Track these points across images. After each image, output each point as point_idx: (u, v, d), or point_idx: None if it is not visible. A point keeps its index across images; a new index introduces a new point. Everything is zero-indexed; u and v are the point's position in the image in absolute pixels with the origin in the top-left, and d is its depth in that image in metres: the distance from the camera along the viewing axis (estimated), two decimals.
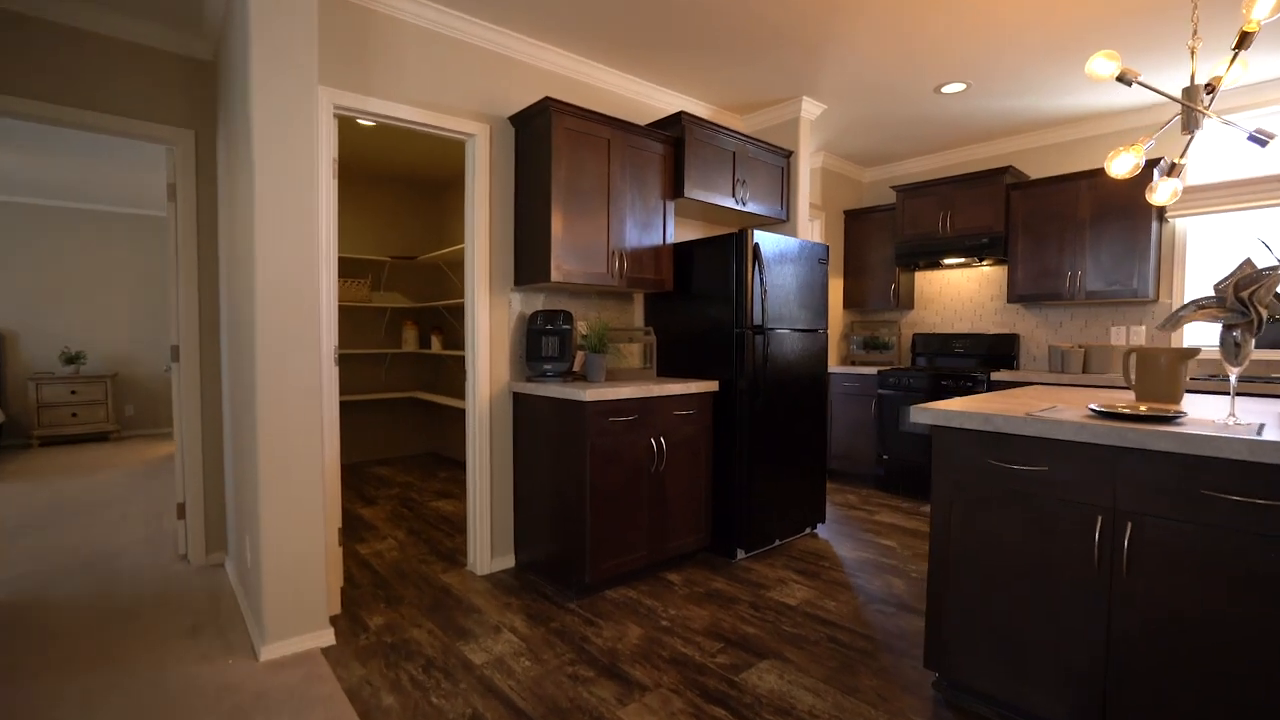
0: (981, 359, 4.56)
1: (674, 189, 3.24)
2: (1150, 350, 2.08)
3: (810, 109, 3.78)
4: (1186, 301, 1.58)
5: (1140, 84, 1.90)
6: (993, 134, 4.37)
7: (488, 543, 2.97)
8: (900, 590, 2.77)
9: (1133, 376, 2.26)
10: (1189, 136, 1.92)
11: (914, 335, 4.96)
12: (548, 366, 2.93)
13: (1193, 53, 1.88)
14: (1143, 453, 1.48)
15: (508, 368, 3.02)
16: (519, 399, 3.00)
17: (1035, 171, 4.41)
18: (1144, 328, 3.94)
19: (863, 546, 3.35)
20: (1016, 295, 4.16)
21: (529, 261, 2.90)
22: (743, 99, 3.74)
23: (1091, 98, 3.68)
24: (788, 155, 3.76)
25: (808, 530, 3.56)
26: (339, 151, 4.74)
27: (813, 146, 4.71)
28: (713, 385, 3.07)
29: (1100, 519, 1.56)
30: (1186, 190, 3.65)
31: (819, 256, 3.47)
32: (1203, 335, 3.76)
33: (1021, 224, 4.13)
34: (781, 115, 3.83)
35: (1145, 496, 1.49)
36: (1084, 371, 3.88)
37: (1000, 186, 4.17)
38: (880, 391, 4.56)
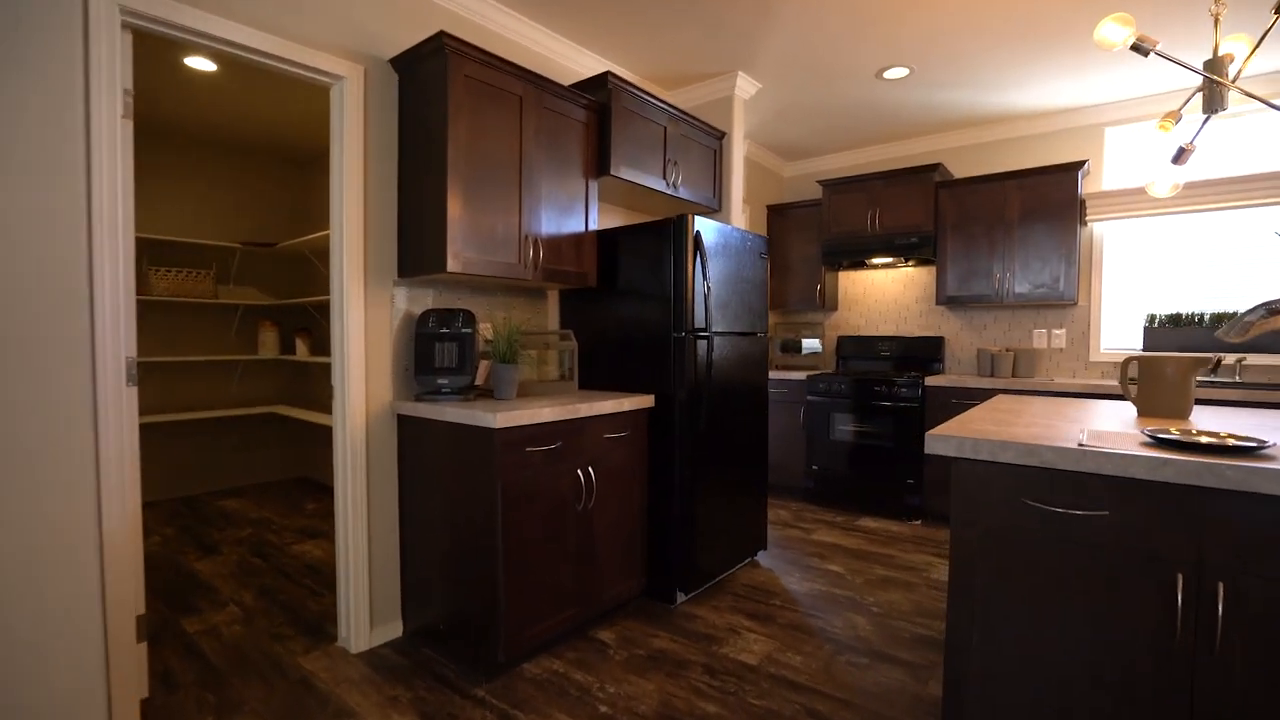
0: (907, 362, 4.43)
1: (598, 165, 2.72)
2: (1155, 358, 1.84)
3: (745, 87, 3.40)
4: (1254, 305, 1.29)
5: (1159, 54, 1.63)
6: (922, 130, 4.23)
7: (365, 608, 2.29)
8: (866, 632, 2.42)
9: (1131, 387, 2.04)
10: (1206, 117, 1.69)
11: (839, 338, 4.76)
12: (443, 381, 2.30)
13: (1216, 20, 1.65)
14: (1241, 496, 1.17)
15: (390, 382, 2.36)
16: (406, 423, 2.34)
17: (961, 172, 4.33)
18: (1064, 331, 3.93)
19: (810, 575, 3.00)
20: (946, 297, 4.04)
21: (418, 248, 2.26)
22: (672, 70, 3.29)
23: (1024, 96, 3.59)
24: (720, 137, 3.35)
25: (749, 559, 3.17)
26: (166, 107, 3.76)
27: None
28: (648, 400, 2.58)
29: (1182, 577, 1.23)
30: (1102, 195, 3.65)
31: (759, 250, 3.08)
32: (1117, 338, 3.79)
33: (950, 224, 4.01)
34: (713, 92, 3.42)
35: (1244, 550, 1.17)
36: (1013, 375, 3.81)
37: (930, 185, 4.03)
38: (809, 398, 4.29)
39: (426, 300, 2.47)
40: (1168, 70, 3.25)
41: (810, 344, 4.83)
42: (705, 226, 2.64)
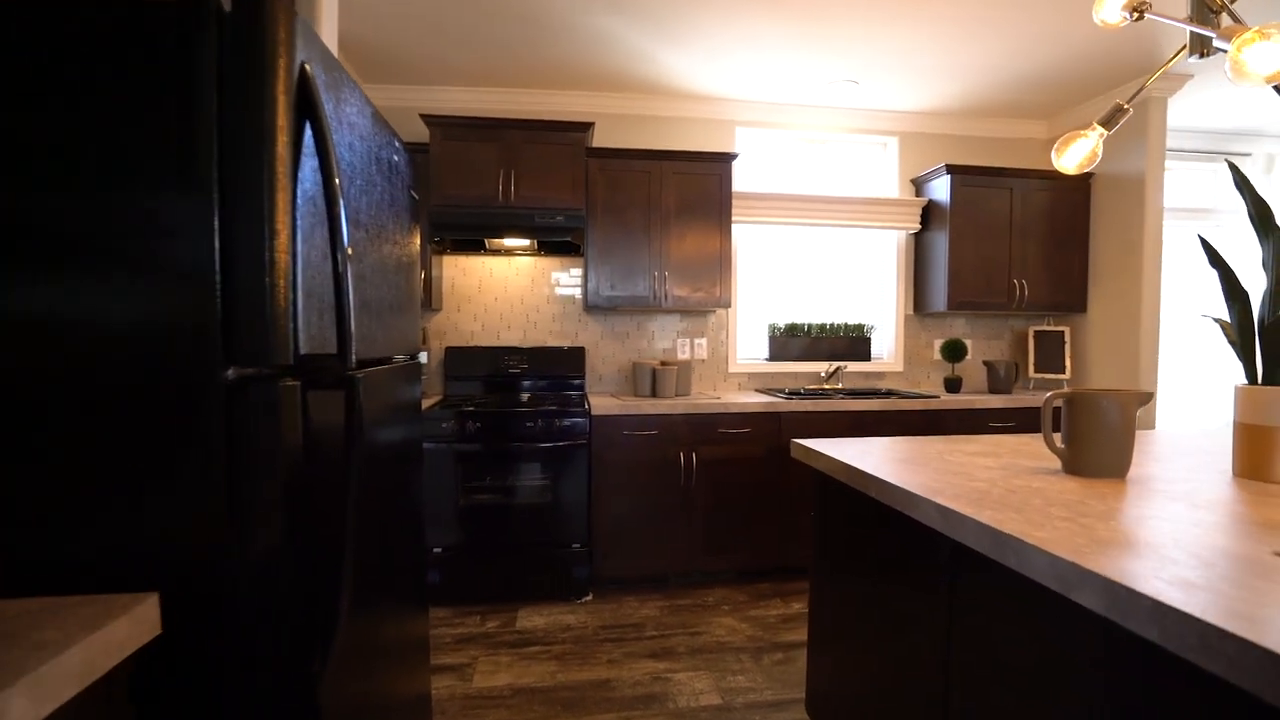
0: (543, 381, 3.41)
1: None
2: (1093, 396, 1.29)
3: None
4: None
5: None
6: (572, 79, 3.22)
7: None
8: None
9: (1056, 437, 1.46)
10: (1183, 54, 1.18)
11: (447, 350, 3.37)
12: None
13: None
14: None
15: None
16: None
17: (609, 144, 3.54)
18: (705, 340, 3.61)
19: None
20: (602, 298, 3.18)
21: None
22: None
23: (680, 62, 3.00)
24: None
25: None
26: None
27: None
28: (118, 649, 0.74)
29: None
30: (740, 196, 3.44)
31: (407, 179, 1.50)
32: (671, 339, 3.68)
33: (603, 205, 3.17)
34: None
35: None
36: (677, 395, 3.25)
37: (581, 149, 3.08)
38: (425, 445, 2.79)
39: None
40: (794, 81, 3.17)
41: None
42: (316, 54, 0.95)
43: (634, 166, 3.17)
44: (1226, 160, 1.29)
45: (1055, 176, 3.47)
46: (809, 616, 1.80)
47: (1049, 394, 1.33)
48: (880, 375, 3.73)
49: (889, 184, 3.74)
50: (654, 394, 3.20)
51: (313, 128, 0.90)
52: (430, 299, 3.21)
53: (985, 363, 3.41)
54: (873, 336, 3.75)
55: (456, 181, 3.02)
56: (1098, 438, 1.30)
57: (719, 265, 3.25)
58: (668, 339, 3.58)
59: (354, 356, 0.93)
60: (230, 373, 0.82)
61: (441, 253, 3.40)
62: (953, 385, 3.40)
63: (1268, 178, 4.07)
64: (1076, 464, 1.32)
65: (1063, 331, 3.60)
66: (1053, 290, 3.50)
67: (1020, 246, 3.46)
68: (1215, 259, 1.32)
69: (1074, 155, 1.44)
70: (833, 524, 1.62)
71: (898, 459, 1.48)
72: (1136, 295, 3.24)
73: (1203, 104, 3.52)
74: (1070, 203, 3.50)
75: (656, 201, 3.19)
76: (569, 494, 2.85)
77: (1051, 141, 3.80)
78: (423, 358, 3.29)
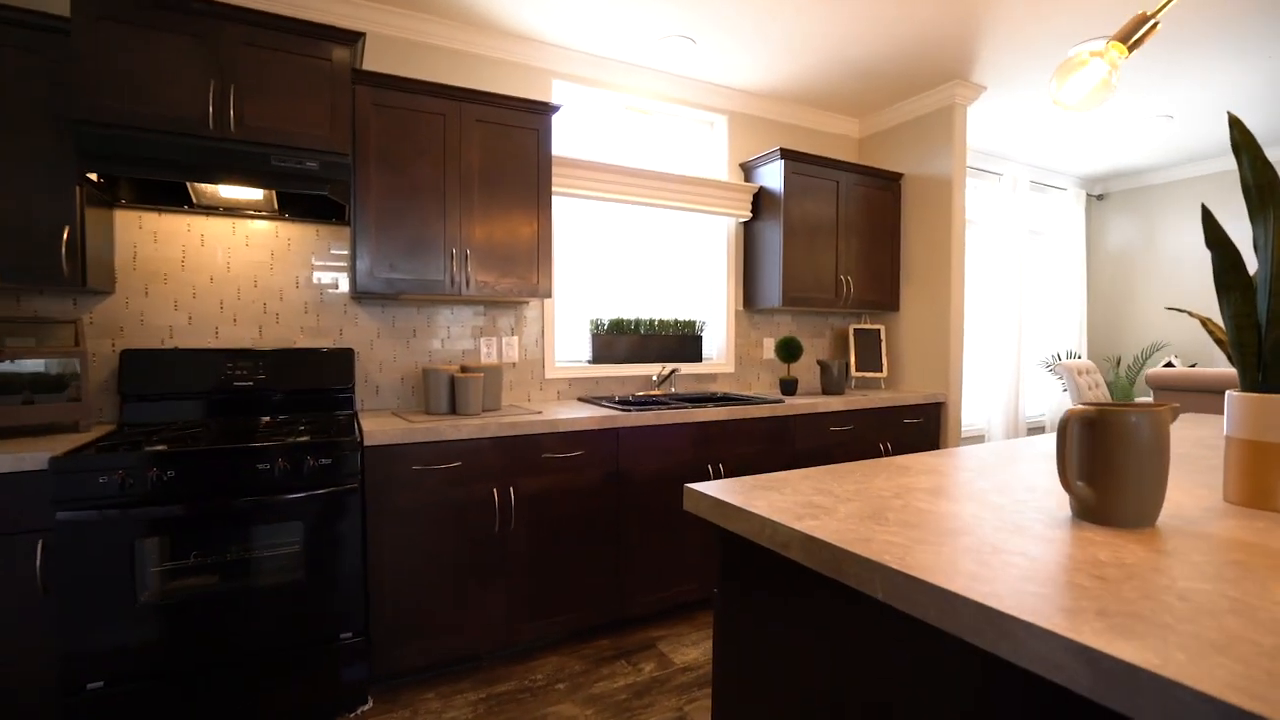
0: (292, 398, 2.41)
1: None
2: (1121, 413, 0.95)
3: None
4: None
5: None
6: None
7: None
8: None
9: (1075, 470, 1.05)
10: None
11: (123, 354, 2.21)
12: None
13: None
14: None
15: None
16: None
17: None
18: (517, 340, 2.91)
19: None
20: (378, 281, 2.30)
21: None
22: None
23: None
24: None
25: None
26: None
27: None
28: None
29: None
30: (561, 161, 2.82)
31: None
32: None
33: (377, 153, 2.30)
34: None
35: None
36: (485, 411, 2.49)
37: (343, 69, 2.17)
38: (61, 516, 1.69)
39: None
40: (625, 27, 2.66)
41: (41, 368, 2.05)
42: None
43: (423, 105, 2.35)
44: (1228, 114, 1.03)
45: (873, 174, 3.45)
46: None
47: (1064, 412, 0.95)
48: (712, 377, 3.40)
49: (716, 167, 3.42)
50: (453, 410, 2.42)
51: None
52: (86, 275, 2.03)
53: (819, 362, 3.26)
54: (704, 335, 3.40)
55: (128, 90, 1.92)
56: (1135, 474, 0.94)
57: (536, 245, 2.59)
58: (467, 338, 2.81)
59: None
60: None
61: (111, 203, 2.22)
62: (789, 387, 3.18)
63: (1014, 195, 4.64)
64: (1105, 510, 0.95)
65: (879, 330, 3.62)
66: (870, 289, 3.49)
67: (845, 242, 3.37)
68: (1215, 237, 1.05)
69: (1082, 82, 1.11)
70: (751, 595, 1.09)
71: (858, 515, 0.99)
72: (945, 295, 3.34)
73: (969, 123, 3.80)
74: (884, 201, 3.52)
75: (455, 156, 2.42)
76: (334, 562, 1.97)
77: (862, 141, 3.83)
78: (67, 369, 2.07)
